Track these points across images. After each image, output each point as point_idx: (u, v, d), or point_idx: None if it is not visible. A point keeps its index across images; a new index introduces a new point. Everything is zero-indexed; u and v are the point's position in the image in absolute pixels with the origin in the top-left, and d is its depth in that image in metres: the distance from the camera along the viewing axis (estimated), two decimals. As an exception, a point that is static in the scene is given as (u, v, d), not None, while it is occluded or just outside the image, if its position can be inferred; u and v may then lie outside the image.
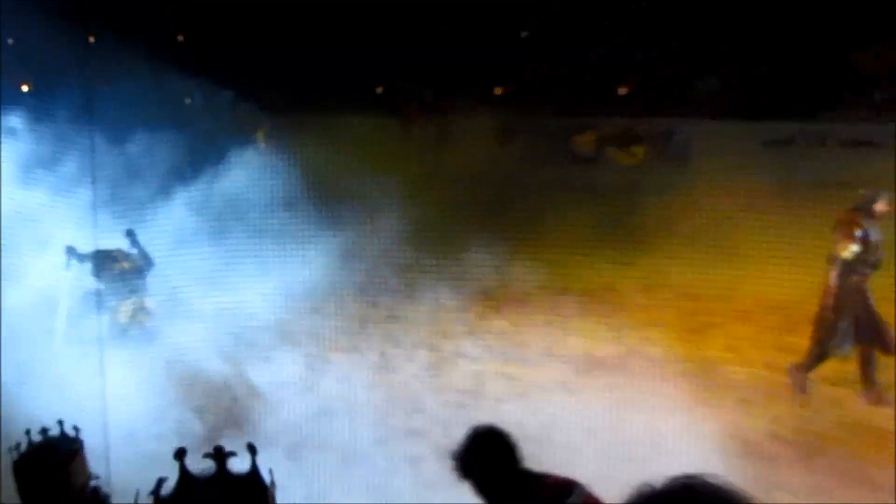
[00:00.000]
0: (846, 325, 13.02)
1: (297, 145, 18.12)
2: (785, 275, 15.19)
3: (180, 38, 25.41)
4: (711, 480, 2.35)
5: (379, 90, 26.64)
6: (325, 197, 16.80)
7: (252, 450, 2.89)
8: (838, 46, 26.65)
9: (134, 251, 15.13)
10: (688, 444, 10.70)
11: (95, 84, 16.37)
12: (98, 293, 14.93)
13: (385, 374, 12.93)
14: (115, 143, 15.36)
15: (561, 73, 28.49)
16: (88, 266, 14.94)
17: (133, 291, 15.22)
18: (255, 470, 2.82)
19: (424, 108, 25.35)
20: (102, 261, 14.91)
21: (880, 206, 13.49)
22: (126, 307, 15.11)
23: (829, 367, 14.04)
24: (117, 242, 15.06)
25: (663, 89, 27.30)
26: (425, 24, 27.72)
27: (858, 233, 13.11)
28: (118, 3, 22.30)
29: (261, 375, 13.30)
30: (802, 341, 14.65)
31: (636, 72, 28.05)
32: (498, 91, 27.94)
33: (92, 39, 19.61)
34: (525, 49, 29.35)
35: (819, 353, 13.16)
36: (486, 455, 5.76)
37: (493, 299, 16.31)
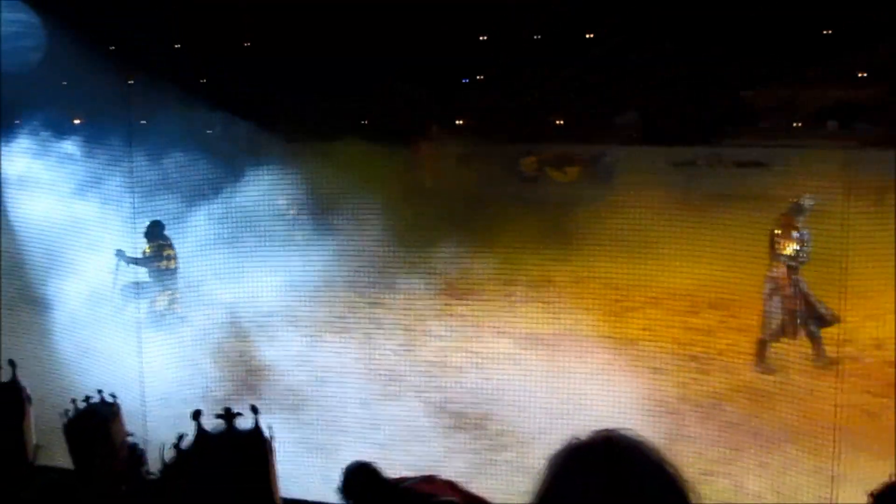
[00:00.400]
0: (788, 312, 13.14)
1: (299, 166, 18.09)
2: (689, 268, 15.21)
3: (203, 80, 25.37)
4: (626, 433, 2.35)
5: (364, 122, 26.60)
6: (321, 208, 16.80)
7: (255, 410, 2.89)
8: (731, 86, 26.75)
9: (172, 252, 15.22)
10: (610, 405, 10.73)
11: (134, 117, 16.35)
12: (139, 286, 14.96)
13: (368, 349, 12.91)
14: (150, 165, 15.33)
15: (509, 107, 28.51)
16: (135, 265, 14.99)
17: (169, 285, 15.29)
18: (257, 427, 2.81)
19: (431, 139, 25.24)
20: (148, 261, 14.97)
21: (804, 209, 13.96)
22: (163, 298, 15.16)
23: (724, 341, 14.08)
24: (157, 245, 15.10)
25: (592, 121, 27.33)
26: (402, 68, 27.83)
27: (795, 234, 13.36)
28: (153, 52, 22.27)
29: (268, 352, 13.31)
30: (704, 321, 14.72)
31: (570, 107, 28.08)
32: (459, 122, 27.91)
33: (131, 81, 19.59)
34: (481, 88, 29.37)
35: (766, 338, 13.21)
36: (360, 482, 5.87)
37: (456, 289, 16.34)
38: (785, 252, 13.38)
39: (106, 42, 21.26)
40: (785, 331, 13.35)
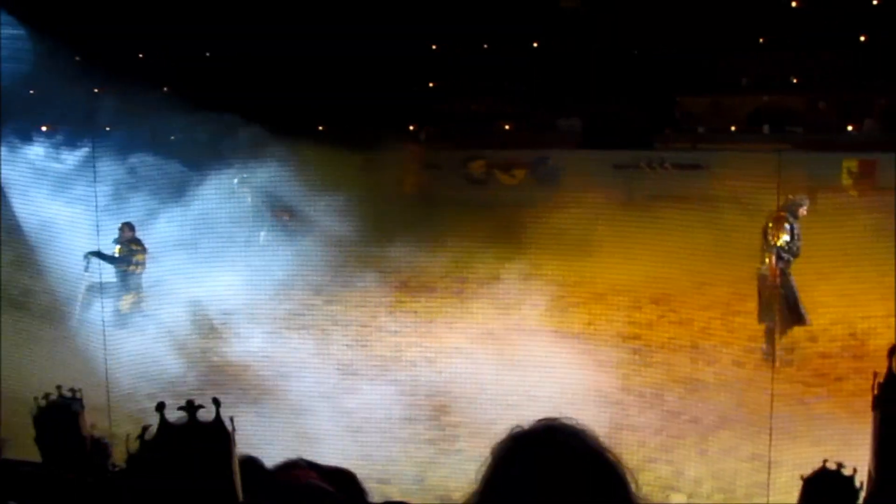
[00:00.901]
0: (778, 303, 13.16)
1: (260, 170, 18.05)
2: (631, 266, 15.29)
3: (165, 89, 25.22)
4: (567, 422, 2.36)
5: (321, 128, 26.52)
6: (281, 210, 16.79)
7: (216, 403, 2.88)
8: (670, 93, 26.87)
9: (142, 257, 15.19)
10: (555, 395, 10.75)
11: (99, 123, 16.33)
12: (105, 285, 14.92)
13: (326, 345, 12.90)
14: (115, 169, 15.30)
15: (459, 114, 28.54)
16: (104, 265, 14.93)
17: (136, 286, 15.26)
18: (218, 419, 2.80)
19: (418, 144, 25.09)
20: (117, 261, 14.94)
21: (802, 210, 13.95)
22: (129, 297, 15.13)
23: (665, 335, 14.14)
24: (128, 247, 15.09)
25: (537, 127, 27.33)
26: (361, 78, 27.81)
27: (787, 227, 13.40)
28: (116, 63, 22.13)
29: (231, 348, 13.26)
30: (645, 316, 14.79)
31: (517, 114, 28.11)
32: (412, 128, 27.91)
33: (96, 90, 19.53)
34: (432, 96, 29.38)
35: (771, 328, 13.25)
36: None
37: (409, 286, 16.34)
38: (776, 243, 13.44)
39: (72, 51, 21.14)
40: (781, 321, 13.40)
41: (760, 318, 13.77)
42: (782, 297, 13.36)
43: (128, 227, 15.26)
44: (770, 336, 13.29)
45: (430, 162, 25.11)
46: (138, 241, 15.27)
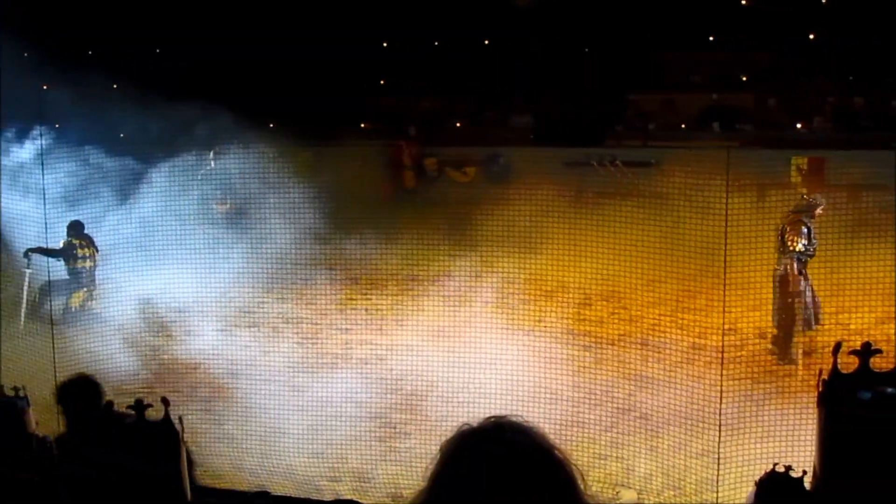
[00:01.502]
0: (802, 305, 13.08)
1: (210, 168, 17.99)
2: (581, 262, 15.35)
3: (114, 86, 25.06)
4: (515, 419, 2.38)
5: (271, 125, 26.41)
6: (231, 208, 16.73)
7: (165, 402, 2.88)
8: (619, 91, 26.99)
9: (88, 252, 15.14)
10: (505, 393, 10.79)
11: (49, 121, 16.26)
12: (54, 283, 14.86)
13: (276, 342, 12.89)
14: (66, 167, 15.25)
15: (410, 111, 28.54)
16: (53, 262, 14.87)
17: (85, 283, 15.19)
18: (167, 418, 2.81)
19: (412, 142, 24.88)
20: (66, 259, 14.88)
21: (819, 210, 13.75)
22: (79, 295, 15.07)
23: (615, 331, 14.22)
24: (75, 243, 15.04)
25: (489, 124, 27.38)
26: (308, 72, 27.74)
27: (805, 230, 13.25)
28: (65, 61, 21.97)
29: (181, 346, 13.21)
30: (596, 313, 14.87)
31: (469, 111, 28.15)
32: (363, 126, 27.89)
33: (45, 87, 19.41)
34: (383, 93, 29.39)
35: (788, 333, 13.12)
36: None
37: (359, 284, 16.35)
38: (795, 248, 13.34)
39: (21, 47, 20.95)
40: (804, 323, 13.30)
41: (776, 320, 13.75)
42: (804, 298, 13.30)
43: (75, 224, 15.20)
44: (786, 338, 13.28)
45: (381, 160, 25.07)
46: (86, 238, 15.20)
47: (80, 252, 15.03)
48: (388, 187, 24.30)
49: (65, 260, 15.07)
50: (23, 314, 14.40)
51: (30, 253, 14.73)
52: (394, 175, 24.55)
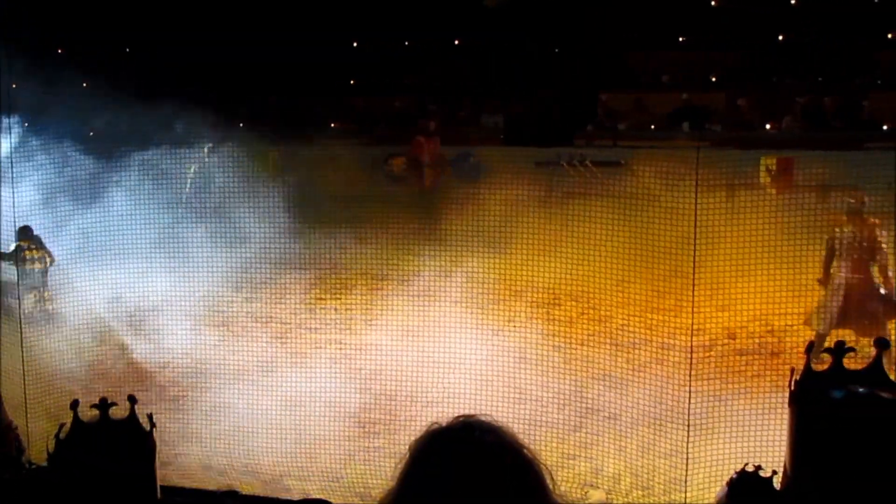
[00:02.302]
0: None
1: (180, 167, 17.97)
2: (550, 262, 15.39)
3: (84, 84, 24.92)
4: (484, 419, 2.40)
5: (241, 125, 26.36)
6: (201, 208, 16.68)
7: (132, 401, 2.88)
8: (592, 90, 27.06)
9: (41, 251, 15.12)
10: (475, 392, 10.81)
11: (15, 120, 16.26)
12: (5, 287, 14.88)
13: (245, 342, 12.87)
14: (31, 166, 15.25)
15: (378, 111, 28.57)
16: (5, 266, 14.88)
17: (37, 285, 15.18)
18: (133, 416, 2.80)
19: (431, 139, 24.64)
20: (16, 262, 14.84)
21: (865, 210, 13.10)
22: (32, 296, 15.06)
23: (584, 331, 14.25)
24: (22, 246, 15.03)
25: (460, 124, 27.40)
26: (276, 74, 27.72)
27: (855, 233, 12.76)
28: (37, 56, 21.87)
29: (150, 345, 13.18)
30: (565, 312, 14.91)
31: (440, 111, 28.15)
32: (334, 126, 27.86)
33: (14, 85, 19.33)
34: (352, 93, 29.38)
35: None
36: None
37: (328, 284, 16.34)
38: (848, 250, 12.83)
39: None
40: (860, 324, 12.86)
41: (837, 324, 13.29)
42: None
43: (23, 228, 15.21)
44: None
45: (349, 160, 25.05)
46: (36, 241, 15.21)
47: (28, 255, 15.01)
48: (418, 183, 24.12)
49: (14, 263, 15.02)
50: None
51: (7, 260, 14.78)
52: (416, 173, 24.37)
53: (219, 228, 16.60)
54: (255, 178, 21.10)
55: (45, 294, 15.29)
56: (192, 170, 20.45)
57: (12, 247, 15.09)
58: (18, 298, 14.70)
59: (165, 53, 26.30)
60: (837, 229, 12.39)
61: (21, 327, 12.63)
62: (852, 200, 12.73)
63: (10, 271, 15.08)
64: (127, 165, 17.25)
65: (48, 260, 15.21)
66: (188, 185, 19.74)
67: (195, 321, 13.89)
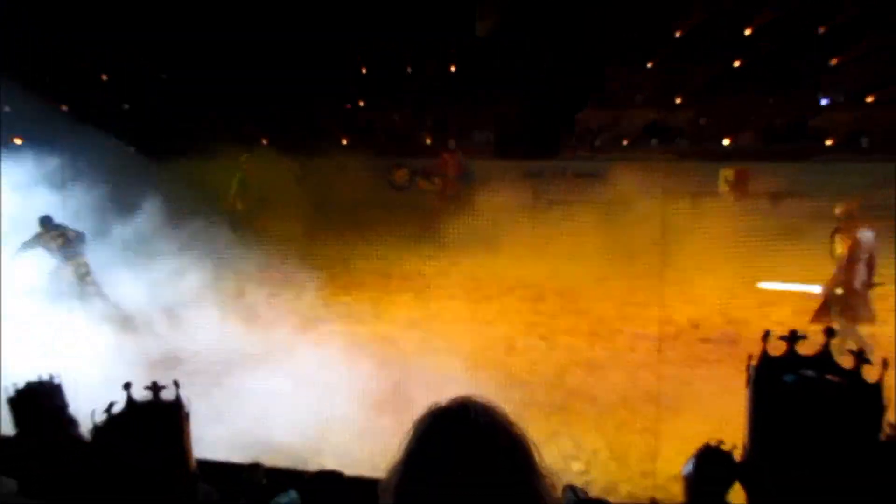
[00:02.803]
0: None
1: (219, 175, 18.02)
2: (536, 261, 15.42)
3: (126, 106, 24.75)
4: (479, 399, 2.41)
5: (264, 141, 26.27)
6: (228, 216, 16.69)
7: (176, 384, 2.90)
8: (573, 109, 27.04)
9: (66, 231, 15.14)
10: (470, 377, 10.80)
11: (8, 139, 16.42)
12: (57, 268, 15.05)
13: (267, 333, 12.85)
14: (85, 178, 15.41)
15: (384, 127, 28.54)
16: (42, 247, 15.01)
17: (71, 257, 15.17)
18: (178, 398, 2.81)
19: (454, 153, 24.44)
20: (45, 242, 14.89)
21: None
22: (69, 269, 15.06)
23: (566, 323, 14.24)
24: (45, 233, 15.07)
25: (455, 138, 27.36)
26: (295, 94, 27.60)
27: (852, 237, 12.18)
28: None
29: (184, 335, 13.14)
30: (549, 307, 14.88)
31: (436, 126, 28.11)
32: (344, 141, 27.83)
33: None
34: (361, 111, 29.34)
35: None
36: None
37: (341, 281, 16.33)
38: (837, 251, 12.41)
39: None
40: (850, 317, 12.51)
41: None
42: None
43: (43, 218, 15.25)
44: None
45: (357, 171, 25.02)
46: (55, 228, 15.20)
47: (44, 237, 15.05)
48: (442, 195, 24.01)
49: (41, 248, 15.08)
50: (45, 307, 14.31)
51: (22, 250, 14.82)
52: (441, 183, 24.22)
53: (246, 233, 16.64)
54: (277, 188, 21.16)
55: (80, 260, 15.25)
56: (237, 179, 20.55)
57: (33, 236, 15.16)
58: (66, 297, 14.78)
59: (201, 79, 26.04)
60: (838, 236, 12.07)
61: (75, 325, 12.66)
62: (843, 209, 12.42)
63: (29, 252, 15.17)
64: (168, 177, 17.32)
65: (69, 234, 15.15)
66: (229, 193, 19.82)
67: (224, 314, 13.88)
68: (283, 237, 17.74)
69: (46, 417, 4.60)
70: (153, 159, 18.15)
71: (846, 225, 11.97)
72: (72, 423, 4.86)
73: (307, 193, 22.37)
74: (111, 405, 2.86)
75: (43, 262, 15.09)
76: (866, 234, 11.89)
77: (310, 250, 16.75)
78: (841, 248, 11.89)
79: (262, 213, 20.01)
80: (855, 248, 11.84)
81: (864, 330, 11.87)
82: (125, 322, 14.14)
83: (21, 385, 4.65)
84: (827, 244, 13.38)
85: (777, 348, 2.36)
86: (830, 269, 14.37)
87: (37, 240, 15.04)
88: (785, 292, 14.87)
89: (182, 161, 18.84)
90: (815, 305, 12.46)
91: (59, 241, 15.14)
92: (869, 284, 11.94)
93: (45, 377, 4.71)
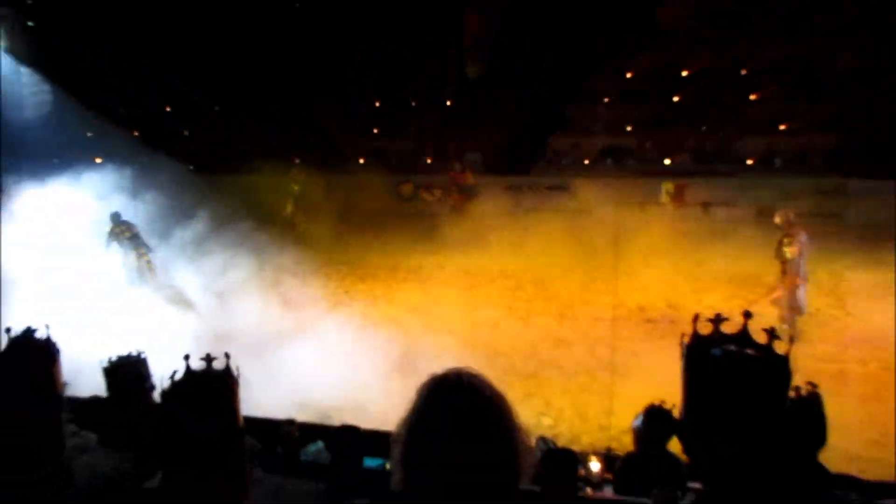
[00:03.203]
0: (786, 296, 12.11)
1: (254, 191, 18.03)
2: (515, 257, 15.40)
3: (186, 133, 24.52)
4: (470, 371, 2.42)
5: (297, 160, 26.11)
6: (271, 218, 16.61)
7: (227, 356, 2.90)
8: (545, 135, 26.99)
9: (131, 226, 15.18)
10: (458, 352, 10.80)
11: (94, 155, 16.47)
12: (126, 256, 15.32)
13: (298, 314, 12.82)
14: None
15: (394, 151, 28.47)
16: (115, 239, 15.29)
17: (136, 248, 15.27)
18: (228, 367, 2.81)
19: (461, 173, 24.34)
20: (115, 235, 15.06)
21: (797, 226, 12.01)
22: (132, 256, 15.24)
23: (539, 306, 14.23)
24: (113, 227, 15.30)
25: (448, 158, 27.24)
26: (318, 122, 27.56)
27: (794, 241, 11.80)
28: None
29: (233, 315, 13.10)
30: (525, 293, 14.87)
31: (435, 149, 28.06)
32: (361, 161, 27.73)
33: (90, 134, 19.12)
34: (374, 136, 29.26)
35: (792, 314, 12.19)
36: None
37: (358, 273, 16.29)
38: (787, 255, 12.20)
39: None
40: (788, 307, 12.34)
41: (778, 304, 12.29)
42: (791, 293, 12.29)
43: (112, 214, 15.33)
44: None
45: (371, 185, 24.99)
46: (122, 223, 15.30)
47: (116, 230, 15.08)
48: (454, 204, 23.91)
49: (113, 240, 15.26)
50: (120, 294, 14.28)
51: (105, 241, 15.13)
52: (452, 197, 24.06)
53: (283, 232, 16.62)
54: (308, 199, 21.13)
55: (141, 250, 15.28)
56: (294, 190, 20.56)
57: (107, 230, 15.23)
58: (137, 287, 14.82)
59: (246, 112, 25.88)
60: (786, 240, 11.94)
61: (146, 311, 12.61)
62: (781, 218, 12.29)
63: (111, 245, 15.33)
64: (218, 189, 17.32)
65: (133, 229, 15.21)
66: (286, 202, 19.80)
67: (265, 299, 13.86)
68: (312, 237, 17.74)
69: (131, 384, 4.62)
70: (206, 175, 18.04)
71: (790, 231, 11.91)
72: (152, 388, 4.89)
73: (332, 203, 22.35)
74: (174, 373, 2.87)
75: (116, 253, 15.16)
76: (805, 237, 11.86)
77: (333, 248, 16.75)
78: (790, 252, 11.81)
79: (296, 218, 19.99)
80: (799, 249, 11.81)
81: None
82: (187, 305, 14.14)
83: (114, 358, 4.69)
84: (744, 242, 13.44)
85: (705, 328, 2.38)
86: (748, 263, 14.46)
87: (111, 233, 15.12)
88: (713, 281, 14.93)
89: (229, 176, 18.77)
90: (741, 292, 12.51)
91: (127, 234, 15.20)
92: (805, 279, 11.92)
93: (134, 353, 4.74)
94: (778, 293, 12.09)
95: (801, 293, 11.91)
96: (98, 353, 4.85)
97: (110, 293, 13.89)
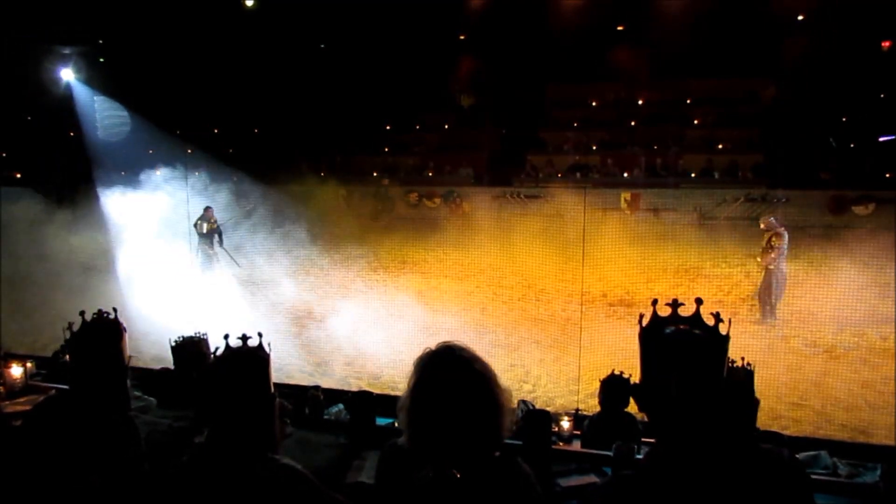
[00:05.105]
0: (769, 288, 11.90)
1: (284, 199, 17.92)
2: (500, 253, 15.36)
3: (230, 150, 24.36)
4: (460, 345, 2.40)
5: (322, 174, 26.05)
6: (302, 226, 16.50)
7: (259, 335, 2.85)
8: (521, 154, 26.97)
9: (214, 220, 15.17)
10: (455, 329, 10.77)
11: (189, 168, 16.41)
12: (204, 241, 15.32)
13: (323, 299, 12.78)
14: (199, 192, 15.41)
15: (402, 166, 28.42)
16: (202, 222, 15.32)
17: (214, 235, 15.43)
18: (260, 344, 2.76)
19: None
20: (201, 223, 15.20)
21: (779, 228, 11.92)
22: (206, 244, 15.34)
23: (519, 293, 14.17)
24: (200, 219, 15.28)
25: (443, 171, 27.18)
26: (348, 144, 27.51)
27: (773, 243, 11.76)
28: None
29: (273, 298, 13.04)
30: (509, 282, 14.85)
31: (435, 164, 27.99)
32: (375, 174, 27.71)
33: (189, 151, 19.06)
34: (386, 154, 29.19)
35: (770, 304, 11.79)
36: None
37: (373, 265, 16.26)
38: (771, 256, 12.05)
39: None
40: (766, 298, 12.22)
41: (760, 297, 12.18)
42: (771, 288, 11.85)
43: (205, 209, 15.38)
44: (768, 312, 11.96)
45: (382, 194, 25.01)
46: (206, 216, 15.30)
47: (200, 223, 15.05)
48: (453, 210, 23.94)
49: (202, 223, 15.30)
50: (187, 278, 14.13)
51: (197, 226, 15.21)
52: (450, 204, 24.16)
53: (319, 231, 16.61)
54: (332, 205, 21.08)
55: (219, 240, 15.45)
56: (378, 196, 20.62)
57: (205, 225, 15.29)
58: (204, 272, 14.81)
59: (285, 134, 25.74)
60: (773, 240, 11.79)
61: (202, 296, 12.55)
62: (765, 223, 12.18)
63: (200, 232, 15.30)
64: (269, 194, 17.35)
65: (213, 221, 15.34)
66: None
67: (300, 284, 13.83)
68: (337, 236, 17.69)
69: (193, 359, 4.58)
70: (260, 183, 17.99)
71: (772, 234, 11.83)
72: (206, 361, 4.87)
73: (351, 208, 22.37)
74: (216, 350, 2.82)
75: (195, 239, 15.15)
76: (786, 240, 11.82)
77: (353, 244, 16.69)
78: (774, 253, 11.74)
79: (325, 220, 19.92)
80: (780, 251, 11.76)
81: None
82: (249, 284, 14.13)
83: (180, 338, 4.66)
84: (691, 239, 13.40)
85: (664, 311, 2.34)
86: (690, 257, 14.46)
87: (199, 220, 15.20)
88: (662, 272, 14.93)
89: (278, 184, 18.70)
90: (684, 280, 12.53)
91: (209, 224, 15.20)
92: (784, 276, 11.85)
93: (197, 333, 4.71)
94: (760, 289, 12.07)
95: (781, 288, 11.86)
96: (177, 330, 4.82)
97: (188, 277, 13.85)
